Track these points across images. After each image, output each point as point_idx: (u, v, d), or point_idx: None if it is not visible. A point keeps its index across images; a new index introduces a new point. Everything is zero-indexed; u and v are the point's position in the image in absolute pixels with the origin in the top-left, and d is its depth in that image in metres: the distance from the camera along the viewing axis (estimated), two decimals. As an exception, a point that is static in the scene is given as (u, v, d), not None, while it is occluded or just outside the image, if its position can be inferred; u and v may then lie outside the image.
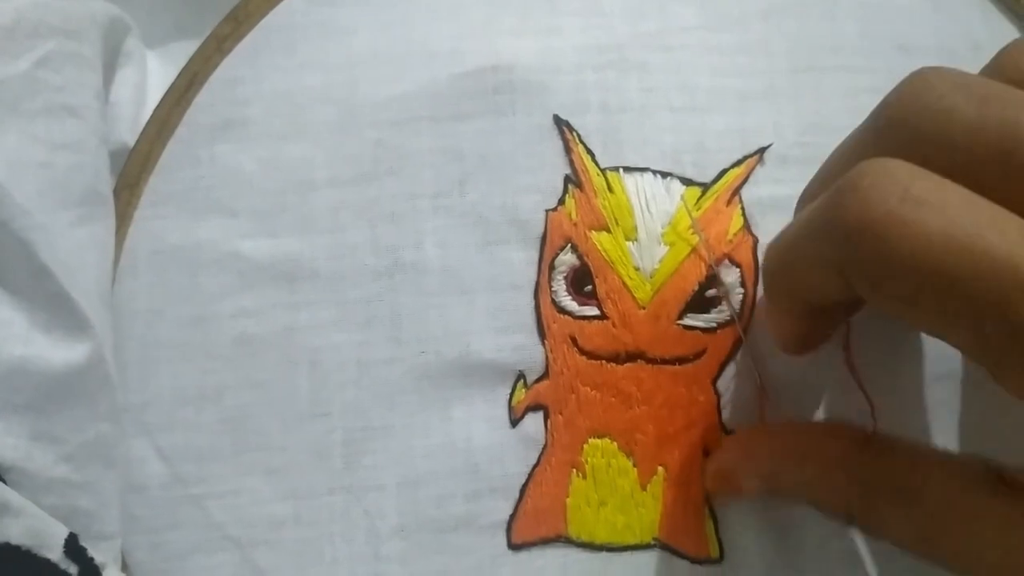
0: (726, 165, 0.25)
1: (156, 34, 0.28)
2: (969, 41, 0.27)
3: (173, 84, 0.26)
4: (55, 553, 0.20)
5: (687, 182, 0.25)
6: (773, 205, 0.25)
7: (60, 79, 0.23)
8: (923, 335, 0.24)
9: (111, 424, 0.23)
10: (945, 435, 0.24)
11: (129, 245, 0.25)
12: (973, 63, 0.19)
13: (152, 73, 0.28)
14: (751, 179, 0.25)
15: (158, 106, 0.26)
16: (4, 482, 0.20)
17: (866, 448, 0.20)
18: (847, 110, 0.21)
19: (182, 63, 0.26)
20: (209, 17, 0.27)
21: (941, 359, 0.24)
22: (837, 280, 0.18)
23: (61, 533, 0.20)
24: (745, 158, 0.25)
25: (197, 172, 0.25)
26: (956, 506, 0.18)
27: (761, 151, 0.25)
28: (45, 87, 0.23)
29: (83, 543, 0.21)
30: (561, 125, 0.25)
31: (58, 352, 0.21)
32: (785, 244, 0.20)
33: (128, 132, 0.26)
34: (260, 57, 0.26)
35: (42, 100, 0.23)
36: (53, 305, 0.22)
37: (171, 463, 0.24)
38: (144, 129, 0.26)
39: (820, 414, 0.24)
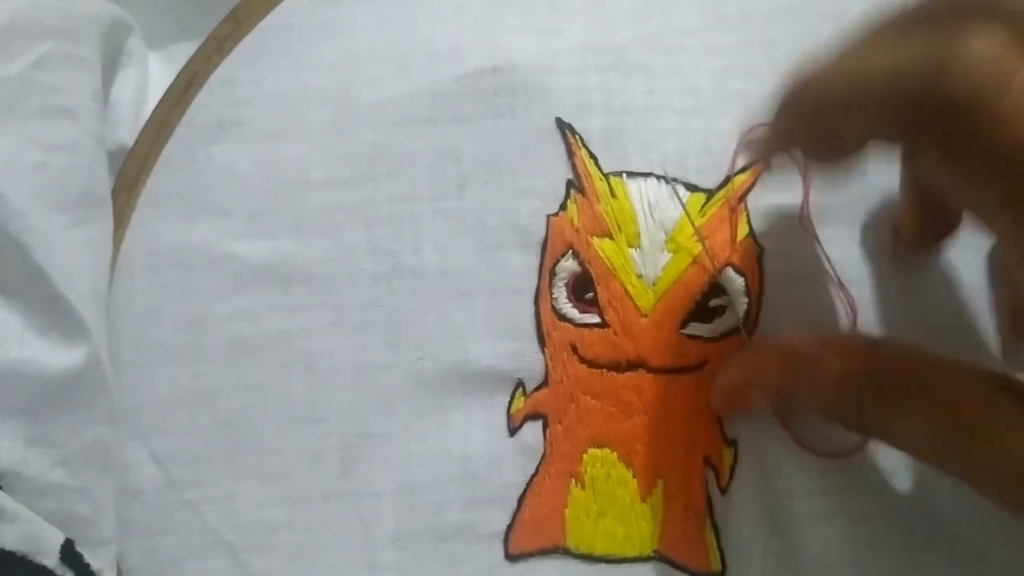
0: (731, 170, 0.25)
1: (159, 35, 0.28)
2: None
3: (172, 84, 0.26)
4: (51, 559, 0.20)
5: (692, 188, 0.25)
6: (779, 212, 0.24)
7: (56, 80, 0.23)
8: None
9: (107, 428, 0.23)
10: None
11: (126, 246, 0.25)
12: None
13: (154, 74, 0.28)
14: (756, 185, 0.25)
15: (157, 106, 0.26)
16: (0, 488, 0.20)
17: (878, 350, 0.20)
18: None
19: (184, 63, 0.26)
20: (212, 18, 0.27)
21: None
22: (888, 137, 0.18)
23: (57, 539, 0.20)
24: (751, 164, 0.25)
25: (193, 173, 0.25)
26: (968, 405, 0.18)
27: None
28: (40, 88, 0.23)
29: (79, 549, 0.21)
30: (564, 129, 0.25)
31: (54, 355, 0.21)
32: (834, 88, 0.19)
33: (128, 133, 0.26)
34: (258, 57, 0.26)
35: (37, 101, 0.23)
36: (49, 308, 0.22)
37: (165, 467, 0.23)
38: (143, 129, 0.26)
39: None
